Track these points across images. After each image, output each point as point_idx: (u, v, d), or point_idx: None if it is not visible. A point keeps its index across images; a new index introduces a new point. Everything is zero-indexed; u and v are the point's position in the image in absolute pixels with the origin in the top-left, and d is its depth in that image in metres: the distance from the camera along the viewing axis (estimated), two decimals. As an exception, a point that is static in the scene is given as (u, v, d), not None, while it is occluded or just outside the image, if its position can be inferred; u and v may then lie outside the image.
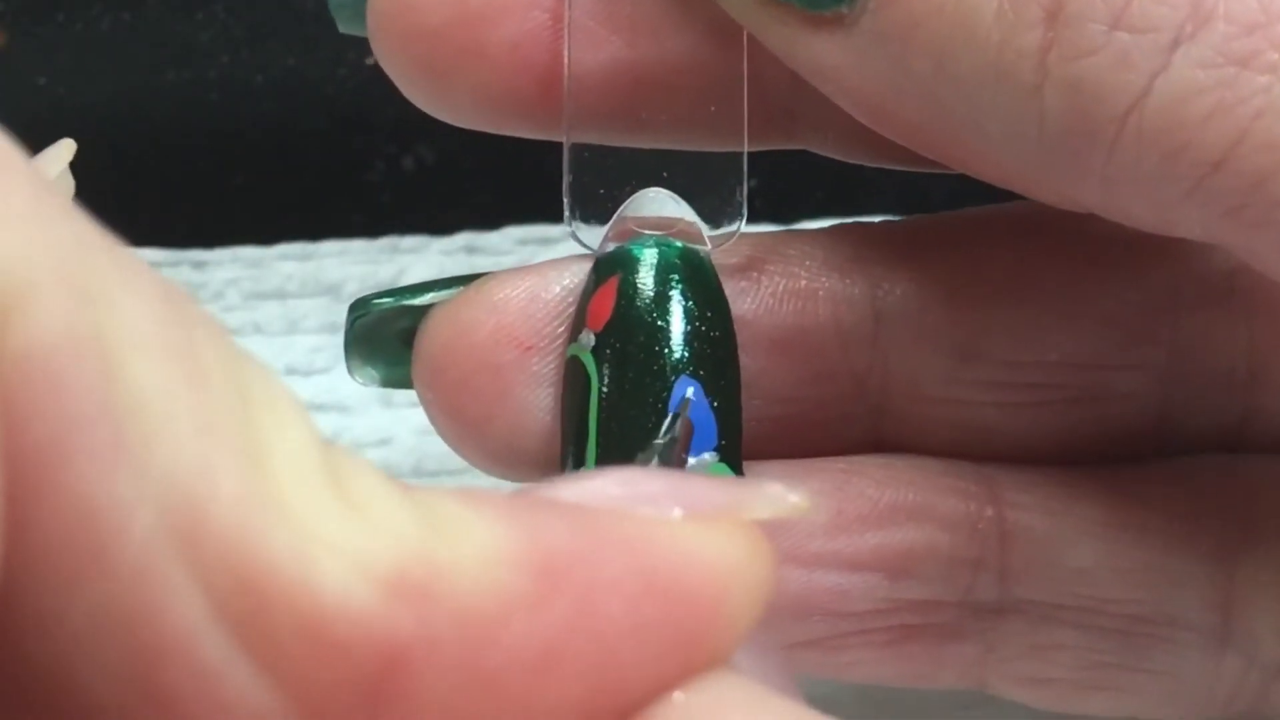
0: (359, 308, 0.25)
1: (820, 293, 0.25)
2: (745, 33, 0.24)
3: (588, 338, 0.24)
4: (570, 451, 0.24)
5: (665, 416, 0.24)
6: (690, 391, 0.24)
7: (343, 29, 0.26)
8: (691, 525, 0.15)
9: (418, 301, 0.25)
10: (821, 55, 0.23)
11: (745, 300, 0.25)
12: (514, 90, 0.24)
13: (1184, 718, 0.26)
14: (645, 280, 0.24)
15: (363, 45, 0.39)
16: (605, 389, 0.24)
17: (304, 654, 0.13)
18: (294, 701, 0.13)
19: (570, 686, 0.14)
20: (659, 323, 0.24)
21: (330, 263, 0.37)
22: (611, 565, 0.14)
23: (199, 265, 0.36)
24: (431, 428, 0.37)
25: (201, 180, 0.39)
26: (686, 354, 0.24)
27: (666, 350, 0.24)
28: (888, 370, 0.25)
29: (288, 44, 0.38)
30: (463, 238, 0.37)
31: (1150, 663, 0.25)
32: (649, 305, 0.24)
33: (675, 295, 0.24)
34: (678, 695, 0.15)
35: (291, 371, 0.36)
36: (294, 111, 0.39)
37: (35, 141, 0.38)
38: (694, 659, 0.15)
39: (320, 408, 0.36)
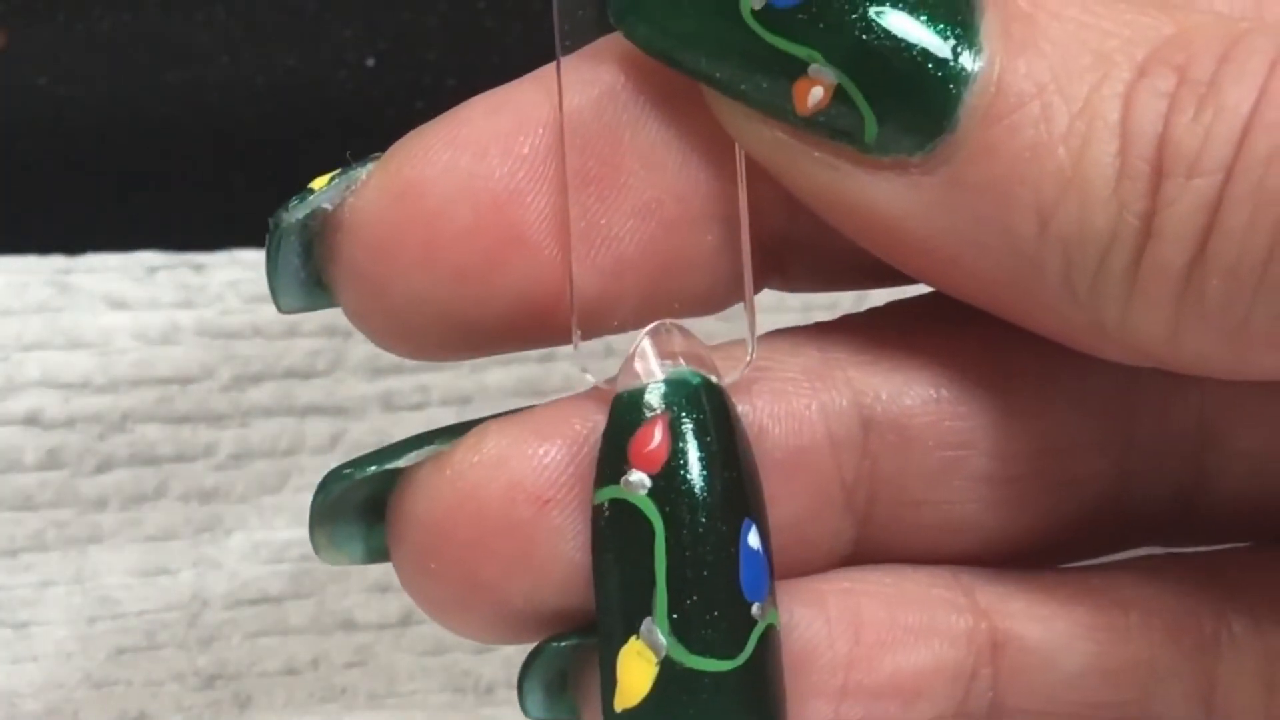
0: (329, 482, 0.23)
1: (811, 408, 0.24)
2: (741, 165, 0.23)
3: (639, 479, 0.22)
4: (625, 602, 0.22)
5: (738, 559, 0.22)
6: (751, 530, 0.23)
7: (292, 305, 0.24)
8: None
9: (399, 463, 0.23)
10: (881, 205, 0.22)
11: (745, 427, 0.23)
12: (550, 278, 0.23)
13: None
14: (697, 416, 0.22)
15: (363, 45, 0.40)
16: (671, 535, 0.22)
17: None
18: None
19: None
20: (719, 460, 0.22)
21: (330, 265, 0.37)
22: None
23: (198, 268, 0.36)
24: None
25: (201, 180, 0.39)
26: (742, 491, 0.23)
27: (730, 489, 0.22)
28: (876, 478, 0.24)
29: (288, 44, 0.38)
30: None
31: None
32: (707, 443, 0.22)
33: (724, 431, 0.23)
34: None
35: (290, 374, 0.36)
36: (294, 111, 0.39)
37: (35, 141, 0.38)
38: None
39: (319, 410, 0.36)
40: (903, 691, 0.24)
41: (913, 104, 0.22)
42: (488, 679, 0.34)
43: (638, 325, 0.23)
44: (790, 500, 0.24)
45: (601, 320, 0.23)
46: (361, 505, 0.24)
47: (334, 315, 0.36)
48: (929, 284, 0.23)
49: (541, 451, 0.23)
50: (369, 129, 0.39)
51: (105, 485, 0.35)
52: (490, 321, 0.23)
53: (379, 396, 0.36)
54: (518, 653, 0.35)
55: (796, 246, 0.24)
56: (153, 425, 0.35)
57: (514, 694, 0.36)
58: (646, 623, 0.22)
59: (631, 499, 0.22)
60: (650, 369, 0.23)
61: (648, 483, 0.22)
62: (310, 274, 0.23)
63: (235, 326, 0.36)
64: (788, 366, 0.24)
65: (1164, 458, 0.25)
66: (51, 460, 0.34)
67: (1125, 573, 0.25)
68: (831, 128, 0.22)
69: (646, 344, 0.23)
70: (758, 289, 0.24)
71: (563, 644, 0.24)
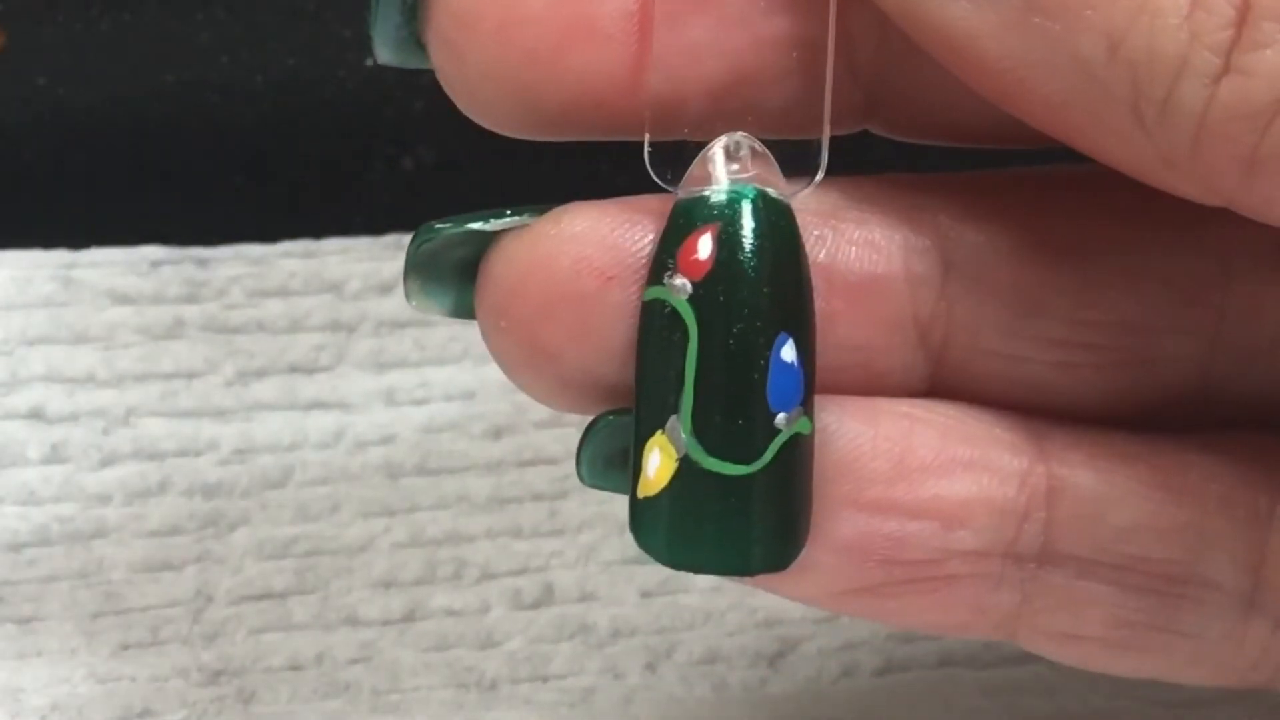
0: (424, 234, 0.25)
1: (892, 241, 0.25)
2: None
3: (682, 284, 0.23)
4: (657, 397, 0.24)
5: (766, 371, 0.23)
6: (786, 344, 0.24)
7: (388, 58, 0.25)
8: None
9: (488, 227, 0.25)
10: (957, 23, 0.22)
11: (820, 248, 0.25)
12: (618, 72, 0.24)
13: (1206, 682, 0.26)
14: (746, 230, 0.23)
15: (363, 45, 0.40)
16: (704, 341, 0.23)
17: None
18: None
19: None
20: (762, 275, 0.23)
21: (333, 260, 0.37)
22: None
23: (202, 263, 0.36)
24: (434, 425, 0.37)
25: (201, 181, 0.39)
26: (784, 307, 0.24)
27: (768, 304, 0.23)
28: (951, 320, 0.25)
29: (288, 44, 0.38)
30: (464, 237, 0.37)
31: (1179, 624, 0.26)
32: (751, 257, 0.23)
33: (773, 246, 0.24)
34: None
35: (294, 369, 0.36)
36: (294, 111, 0.39)
37: (35, 141, 0.38)
38: None
39: (323, 406, 0.36)
40: (943, 515, 0.25)
41: None
42: (491, 675, 0.34)
43: (709, 134, 0.24)
44: (857, 322, 0.25)
45: (672, 121, 0.24)
46: (456, 265, 0.25)
47: (337, 311, 0.36)
48: (1007, 108, 0.24)
49: (613, 233, 0.24)
50: (369, 129, 0.40)
51: (109, 480, 0.35)
52: (558, 104, 0.24)
53: (382, 392, 0.36)
54: (520, 649, 0.35)
55: (888, 81, 0.25)
56: (156, 420, 0.35)
57: (517, 690, 0.36)
58: (673, 420, 0.24)
59: (673, 301, 0.23)
60: (716, 177, 0.24)
61: (689, 288, 0.23)
62: (411, 33, 0.24)
63: (239, 322, 0.36)
64: (878, 201, 0.25)
65: (1254, 358, 0.26)
66: (55, 455, 0.34)
67: (1189, 439, 0.26)
68: None
69: (716, 152, 0.24)
70: (853, 129, 0.25)
71: (619, 419, 0.25)
